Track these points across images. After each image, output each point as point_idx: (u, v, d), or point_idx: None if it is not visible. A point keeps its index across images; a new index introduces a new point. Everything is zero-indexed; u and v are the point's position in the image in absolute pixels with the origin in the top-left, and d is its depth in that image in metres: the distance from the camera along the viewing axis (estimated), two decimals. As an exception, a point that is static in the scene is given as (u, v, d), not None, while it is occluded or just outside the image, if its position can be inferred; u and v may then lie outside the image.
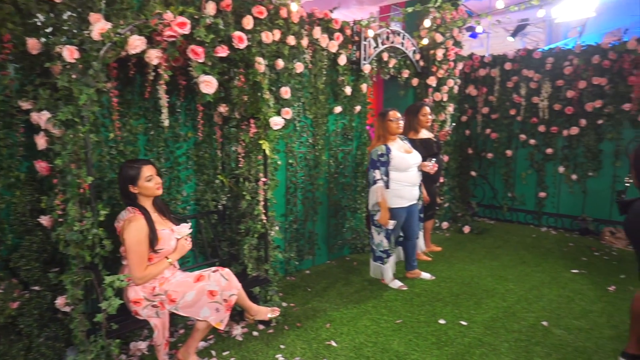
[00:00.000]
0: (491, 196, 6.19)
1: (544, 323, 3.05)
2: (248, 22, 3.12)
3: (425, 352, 2.71)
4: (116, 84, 2.66)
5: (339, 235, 4.53)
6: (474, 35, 8.08)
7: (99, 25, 2.09)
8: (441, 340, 2.84)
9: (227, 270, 2.53)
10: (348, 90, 4.25)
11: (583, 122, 5.24)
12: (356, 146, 4.58)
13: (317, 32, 3.88)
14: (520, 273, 4.04)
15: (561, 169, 5.49)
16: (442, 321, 3.09)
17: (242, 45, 2.57)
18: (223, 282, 2.43)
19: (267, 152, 2.90)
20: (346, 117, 4.43)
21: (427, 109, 4.23)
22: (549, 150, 5.55)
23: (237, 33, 2.56)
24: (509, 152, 5.89)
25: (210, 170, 3.28)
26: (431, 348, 2.75)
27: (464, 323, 3.06)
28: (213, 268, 2.51)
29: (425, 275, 3.88)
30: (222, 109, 3.04)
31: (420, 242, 4.02)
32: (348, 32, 4.23)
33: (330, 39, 4.04)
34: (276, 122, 2.81)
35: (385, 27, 4.52)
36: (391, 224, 3.52)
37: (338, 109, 4.25)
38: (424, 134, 4.26)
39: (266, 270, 3.08)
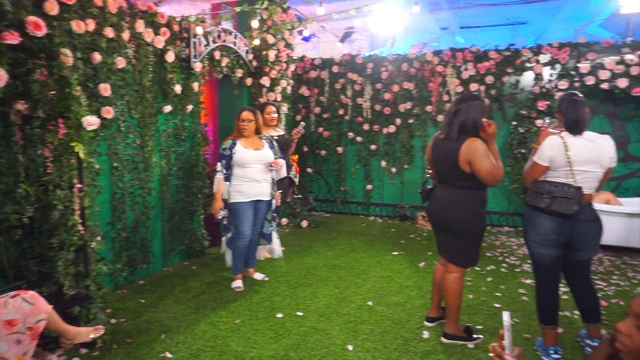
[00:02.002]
0: (326, 191, 6.63)
1: (370, 303, 3.39)
2: (52, 7, 2.73)
3: (264, 347, 2.76)
4: None
5: (176, 240, 4.32)
6: (306, 39, 8.50)
7: None
8: (279, 334, 2.93)
9: (31, 293, 2.19)
10: (178, 88, 4.07)
11: (398, 121, 5.97)
12: (190, 147, 4.42)
13: (140, 25, 3.61)
14: (351, 260, 4.42)
15: (383, 163, 6.17)
16: (279, 315, 3.19)
17: (40, 33, 2.24)
18: (26, 307, 2.10)
19: (81, 155, 2.60)
20: (177, 116, 4.24)
21: (272, 108, 4.34)
22: (373, 147, 6.19)
23: (32, 18, 2.22)
24: (339, 149, 6.38)
25: (9, 179, 2.79)
26: (269, 343, 2.82)
27: (300, 314, 3.21)
28: (12, 293, 2.14)
29: (258, 276, 3.91)
30: (21, 106, 2.61)
31: (276, 245, 4.04)
32: (176, 27, 4.05)
33: (156, 34, 3.81)
34: (90, 122, 2.53)
35: (215, 25, 4.45)
36: (220, 214, 3.58)
37: (168, 108, 4.04)
38: (279, 132, 4.38)
39: (87, 286, 2.76)
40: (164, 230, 4.18)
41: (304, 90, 6.46)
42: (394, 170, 6.12)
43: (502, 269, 4.12)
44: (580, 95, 2.53)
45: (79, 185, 2.66)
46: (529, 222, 2.57)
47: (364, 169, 6.34)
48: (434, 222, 2.78)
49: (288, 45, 5.58)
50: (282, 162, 3.79)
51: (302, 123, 4.61)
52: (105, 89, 3.24)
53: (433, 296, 3.02)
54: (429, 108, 5.75)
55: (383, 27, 5.97)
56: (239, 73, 5.01)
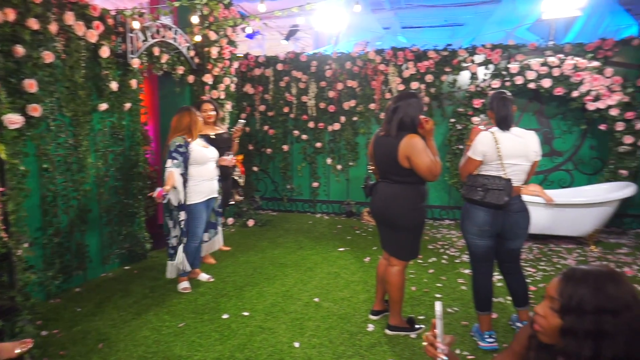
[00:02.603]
0: (272, 189, 6.60)
1: (316, 299, 3.42)
2: (-35, -4, 2.52)
3: (209, 349, 2.71)
4: None
5: (115, 244, 4.13)
6: (250, 36, 8.40)
7: None
8: (224, 335, 2.89)
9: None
10: (114, 85, 3.89)
11: (343, 118, 6.05)
12: (129, 146, 4.24)
13: (69, 17, 3.41)
14: (297, 257, 4.43)
15: (329, 161, 6.23)
16: (225, 316, 3.14)
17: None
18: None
19: (3, 155, 2.42)
20: (114, 115, 4.04)
21: (209, 105, 4.25)
22: (319, 144, 6.23)
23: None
24: (285, 147, 6.37)
25: None
26: (214, 344, 2.77)
27: (246, 314, 3.18)
28: None
29: (203, 277, 3.82)
30: None
31: (220, 237, 4.01)
32: (110, 21, 3.86)
33: (88, 27, 3.61)
34: (12, 120, 2.37)
35: (154, 20, 4.29)
36: (167, 197, 3.31)
37: (103, 106, 3.85)
38: (218, 130, 4.29)
39: (12, 297, 2.58)
40: (102, 234, 3.99)
41: (249, 88, 6.39)
42: (339, 167, 6.19)
43: (443, 261, 4.30)
44: (509, 93, 2.70)
45: (1, 189, 2.47)
46: (465, 215, 2.70)
47: (310, 167, 6.37)
48: (377, 216, 2.85)
49: (231, 42, 5.49)
50: (231, 157, 3.86)
51: (242, 120, 4.55)
52: (30, 85, 3.03)
53: (377, 290, 3.10)
54: (372, 106, 5.88)
55: (326, 25, 6.02)
56: (180, 70, 4.86)
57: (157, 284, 3.72)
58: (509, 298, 3.05)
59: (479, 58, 5.47)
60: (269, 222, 5.86)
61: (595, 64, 4.97)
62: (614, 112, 4.85)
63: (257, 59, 6.37)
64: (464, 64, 5.53)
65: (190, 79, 5.09)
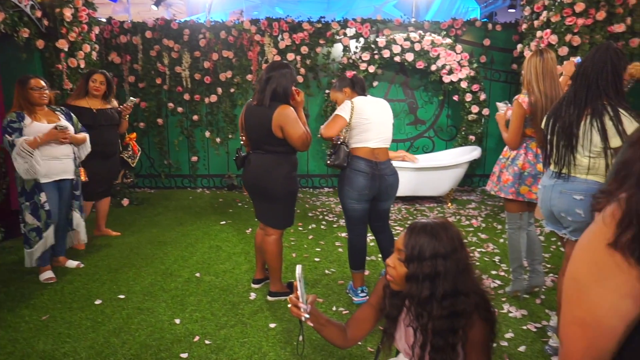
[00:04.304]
0: (149, 165, 6.23)
1: (197, 274, 3.38)
2: None
3: (79, 339, 2.53)
4: None
5: (-46, 237, 3.57)
6: (113, -1, 7.64)
7: None
8: (97, 322, 2.72)
9: None
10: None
11: (220, 90, 5.89)
12: (-37, 122, 3.63)
13: None
14: (177, 234, 4.30)
15: (207, 134, 6.05)
16: (98, 302, 2.95)
17: None
18: None
19: None
20: (-60, 84, 3.42)
21: (100, 76, 3.86)
22: (195, 117, 6.00)
23: None
24: (160, 121, 6.02)
25: None
26: (86, 333, 2.59)
27: (122, 297, 3.02)
28: None
29: (71, 264, 3.51)
30: None
31: (82, 233, 3.59)
32: None
33: None
34: None
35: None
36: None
37: None
38: (108, 104, 3.90)
39: None
40: None
41: (115, 57, 5.85)
42: (218, 140, 6.06)
43: (322, 227, 4.53)
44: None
45: None
46: (345, 181, 2.84)
47: (188, 141, 6.13)
48: (250, 187, 2.88)
49: (89, 4, 4.93)
50: (83, 135, 3.41)
51: (133, 98, 4.15)
52: None
53: (256, 259, 3.17)
54: (249, 77, 5.81)
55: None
56: (25, 33, 4.24)
57: (13, 277, 3.33)
58: (380, 255, 3.35)
59: (350, 31, 5.70)
60: (146, 200, 5.54)
61: (448, 41, 5.52)
62: (463, 84, 5.48)
63: (122, 24, 5.84)
64: (337, 37, 5.72)
65: (40, 44, 4.48)
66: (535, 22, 4.80)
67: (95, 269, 3.47)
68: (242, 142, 2.98)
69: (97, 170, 3.86)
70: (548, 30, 4.57)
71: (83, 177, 3.59)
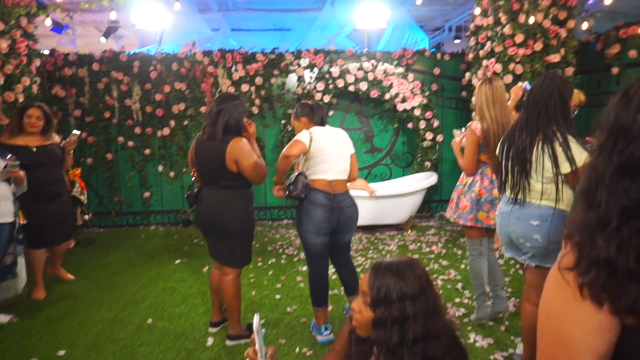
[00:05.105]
0: (97, 203, 5.89)
1: (149, 320, 3.14)
2: None
3: (11, 405, 2.25)
4: None
5: None
6: (57, 30, 7.35)
7: None
8: (33, 383, 2.44)
9: None
10: None
11: (172, 123, 5.71)
12: None
13: None
14: (128, 277, 4.02)
15: (160, 168, 5.82)
16: (34, 360, 2.66)
17: None
18: None
19: None
20: None
21: (35, 111, 3.49)
22: (147, 151, 5.77)
23: None
24: (109, 156, 5.74)
25: None
26: (19, 398, 2.31)
27: (62, 353, 2.73)
28: None
29: (2, 319, 3.13)
30: None
31: (19, 281, 3.25)
32: None
33: None
34: None
35: None
36: None
37: None
38: (46, 141, 3.57)
39: None
40: None
41: (59, 90, 5.57)
42: (172, 174, 5.84)
43: (282, 261, 4.39)
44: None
45: None
46: (304, 214, 2.75)
47: (140, 176, 5.86)
48: (204, 225, 2.73)
49: (29, 36, 4.68)
50: (22, 173, 3.16)
51: (76, 132, 3.83)
52: None
53: (213, 301, 2.99)
54: (203, 109, 5.68)
55: (148, 23, 5.61)
56: (-44, 67, 3.95)
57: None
58: (342, 289, 3.25)
59: (304, 62, 5.73)
60: (94, 240, 5.21)
61: (400, 70, 5.66)
62: (417, 112, 5.60)
63: (67, 56, 5.59)
64: (291, 67, 5.73)
65: (-27, 77, 4.18)
66: (481, 52, 5.01)
67: (32, 322, 3.15)
68: (192, 179, 2.84)
69: (45, 213, 3.51)
70: (493, 60, 4.77)
71: (22, 220, 3.30)
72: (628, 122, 0.70)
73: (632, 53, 4.54)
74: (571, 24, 4.70)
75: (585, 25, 5.22)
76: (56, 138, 3.77)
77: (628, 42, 4.62)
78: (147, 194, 5.87)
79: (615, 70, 4.76)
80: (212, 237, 2.73)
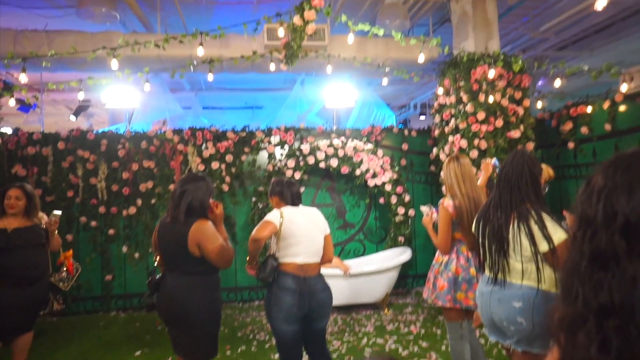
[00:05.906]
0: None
1: None
2: None
3: None
4: None
5: None
6: (24, 109, 7.28)
7: None
8: None
9: None
10: None
11: (139, 201, 5.53)
12: None
13: None
14: (79, 374, 3.61)
15: (125, 249, 5.54)
16: None
17: None
18: None
19: None
20: None
21: (15, 191, 3.23)
22: (112, 231, 5.51)
23: None
24: (69, 237, 5.44)
25: None
26: None
27: None
28: None
29: None
30: None
31: None
32: None
33: None
34: None
35: None
36: None
37: None
38: (28, 222, 3.27)
39: None
40: None
41: (19, 169, 5.37)
42: (137, 255, 5.55)
43: (253, 348, 4.08)
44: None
45: None
46: (272, 300, 2.58)
47: (102, 258, 5.54)
48: (166, 315, 2.50)
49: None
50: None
51: (57, 212, 3.55)
52: None
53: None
54: (172, 187, 5.55)
55: (118, 102, 5.62)
56: None
57: None
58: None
59: (275, 139, 5.79)
60: (44, 331, 4.74)
61: (370, 146, 5.78)
62: (388, 187, 5.64)
63: (32, 135, 5.47)
64: (262, 145, 5.77)
65: None
66: (446, 128, 5.19)
67: None
68: (155, 263, 2.65)
69: (7, 300, 3.12)
70: (458, 135, 4.94)
71: None
72: (591, 213, 0.72)
73: (584, 129, 4.80)
74: (527, 102, 4.99)
75: (540, 104, 5.55)
76: (43, 218, 3.49)
77: (579, 120, 4.90)
78: (108, 277, 5.51)
79: (571, 145, 4.99)
80: (175, 328, 2.49)
